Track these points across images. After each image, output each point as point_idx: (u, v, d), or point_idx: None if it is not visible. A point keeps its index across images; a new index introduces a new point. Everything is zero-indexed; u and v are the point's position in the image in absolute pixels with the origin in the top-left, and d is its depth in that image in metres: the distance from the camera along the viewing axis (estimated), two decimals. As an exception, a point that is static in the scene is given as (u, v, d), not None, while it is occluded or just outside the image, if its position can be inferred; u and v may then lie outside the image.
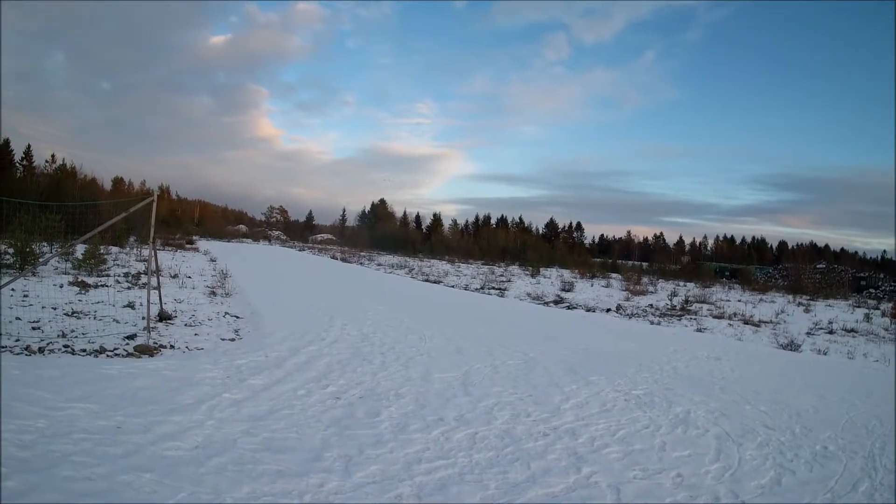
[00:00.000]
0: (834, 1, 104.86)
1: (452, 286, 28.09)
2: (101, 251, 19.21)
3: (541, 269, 44.19)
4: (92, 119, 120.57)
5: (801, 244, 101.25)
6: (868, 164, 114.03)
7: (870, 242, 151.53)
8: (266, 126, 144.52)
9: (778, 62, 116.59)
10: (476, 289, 27.28)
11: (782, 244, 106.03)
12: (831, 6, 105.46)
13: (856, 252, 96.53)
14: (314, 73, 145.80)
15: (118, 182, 72.20)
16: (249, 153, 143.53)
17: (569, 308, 21.28)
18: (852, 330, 19.95)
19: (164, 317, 11.20)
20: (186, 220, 78.99)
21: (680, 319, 19.84)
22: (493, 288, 28.09)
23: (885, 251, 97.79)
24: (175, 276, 18.63)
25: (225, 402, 6.25)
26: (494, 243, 78.78)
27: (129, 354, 8.29)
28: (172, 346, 9.07)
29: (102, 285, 14.78)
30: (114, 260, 21.70)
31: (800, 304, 29.38)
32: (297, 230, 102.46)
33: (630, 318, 19.55)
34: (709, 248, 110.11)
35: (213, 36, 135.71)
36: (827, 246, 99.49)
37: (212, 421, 5.64)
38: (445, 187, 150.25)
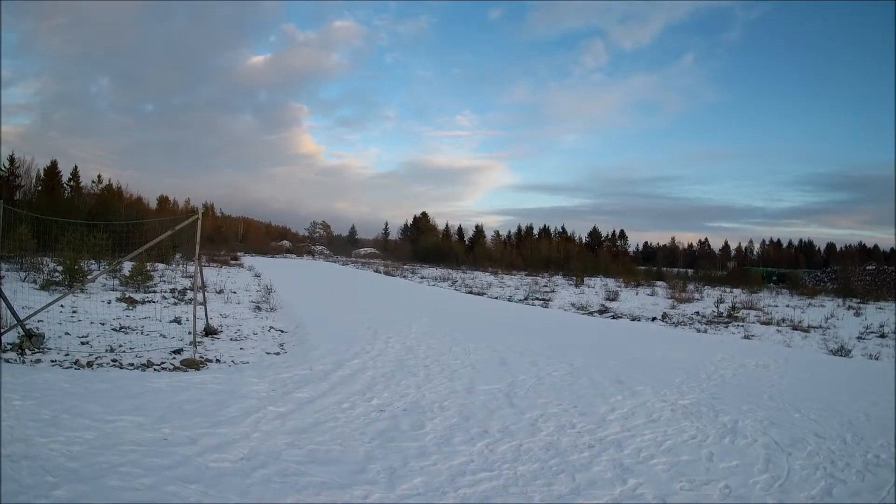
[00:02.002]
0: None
1: (496, 297, 27.91)
2: (148, 268, 19.57)
3: (585, 278, 43.74)
4: (137, 140, 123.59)
5: (850, 245, 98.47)
6: None
7: None
8: (308, 143, 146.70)
9: (818, 59, 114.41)
10: (519, 300, 27.06)
11: (830, 246, 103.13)
12: (869, 3, 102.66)
13: None
14: (354, 88, 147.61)
15: (163, 201, 73.59)
16: (293, 169, 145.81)
17: (613, 317, 20.99)
18: None
19: (209, 331, 11.34)
20: (231, 237, 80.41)
21: (727, 326, 19.40)
22: (537, 299, 27.84)
23: None
24: (220, 292, 18.91)
25: (270, 415, 6.26)
26: (537, 253, 78.40)
27: (175, 368, 8.39)
28: (218, 360, 9.17)
29: (149, 301, 15.07)
30: (160, 276, 22.09)
31: (850, 307, 28.48)
32: (341, 244, 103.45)
33: (676, 326, 19.19)
34: (755, 253, 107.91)
35: (254, 56, 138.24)
36: (876, 246, 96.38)
37: (257, 433, 5.65)
38: (487, 198, 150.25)
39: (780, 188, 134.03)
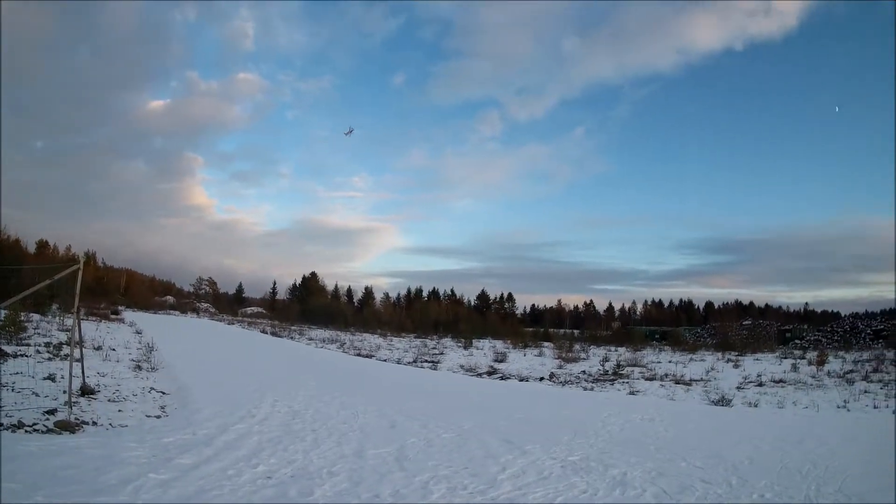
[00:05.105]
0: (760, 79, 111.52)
1: (385, 360, 27.89)
2: (22, 318, 18.46)
3: (473, 340, 44.15)
4: (23, 178, 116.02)
5: (728, 303, 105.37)
6: (789, 224, 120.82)
7: (793, 297, 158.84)
8: (200, 195, 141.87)
9: (699, 133, 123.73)
10: (409, 362, 27.16)
11: (709, 304, 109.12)
12: (746, 83, 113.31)
13: (780, 306, 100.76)
14: (252, 143, 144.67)
15: (42, 245, 69.46)
16: (183, 221, 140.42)
17: (502, 378, 21.42)
18: (781, 380, 20.64)
19: (86, 391, 10.81)
20: (112, 289, 76.45)
21: (613, 384, 20.18)
22: (426, 361, 28.00)
23: (807, 303, 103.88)
24: (99, 348, 17.98)
25: (151, 483, 6.04)
26: (427, 316, 78.99)
27: (49, 430, 7.98)
28: (95, 423, 8.77)
29: (22, 355, 14.16)
30: (35, 328, 20.80)
31: (729, 360, 30.06)
32: (227, 303, 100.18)
33: (563, 385, 19.77)
34: (638, 313, 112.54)
35: (154, 100, 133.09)
36: (752, 303, 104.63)
37: (137, 503, 5.44)
38: (378, 260, 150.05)
39: (662, 252, 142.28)
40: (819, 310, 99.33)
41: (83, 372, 11.14)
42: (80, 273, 9.51)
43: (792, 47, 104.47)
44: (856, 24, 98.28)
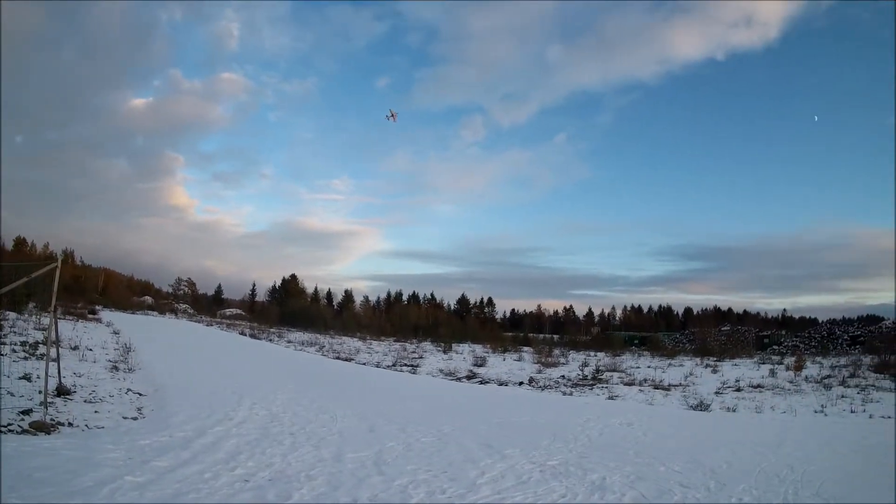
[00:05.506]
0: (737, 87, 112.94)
1: (364, 363, 27.83)
2: (-3, 317, 18.23)
3: (453, 344, 44.12)
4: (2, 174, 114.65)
5: (706, 309, 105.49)
6: (767, 231, 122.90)
7: (772, 303, 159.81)
8: (181, 195, 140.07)
9: (679, 141, 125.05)
10: (388, 366, 27.10)
11: (688, 310, 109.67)
12: (726, 93, 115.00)
13: (758, 312, 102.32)
14: (234, 143, 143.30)
15: (20, 243, 68.81)
16: (163, 221, 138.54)
17: (482, 383, 21.47)
18: (758, 386, 20.87)
19: (62, 392, 10.70)
20: (90, 289, 75.53)
21: (592, 389, 20.30)
22: (406, 365, 27.97)
23: (785, 309, 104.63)
24: (75, 348, 17.78)
25: (127, 486, 6.00)
26: (406, 320, 78.92)
27: (24, 431, 7.90)
28: (71, 424, 8.70)
29: (-4, 355, 14.02)
30: (10, 326, 20.53)
31: (707, 365, 30.22)
32: (206, 304, 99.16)
33: (543, 390, 19.86)
34: (617, 319, 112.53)
35: (136, 98, 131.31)
36: (730, 309, 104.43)
37: (113, 505, 5.41)
38: (359, 264, 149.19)
39: (642, 258, 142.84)
40: (797, 316, 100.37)
41: (59, 372, 11.03)
42: (58, 271, 9.41)
43: (772, 58, 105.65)
44: (835, 36, 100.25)
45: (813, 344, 44.70)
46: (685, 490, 7.31)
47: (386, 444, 9.28)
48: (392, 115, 47.18)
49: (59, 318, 12.73)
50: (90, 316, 39.51)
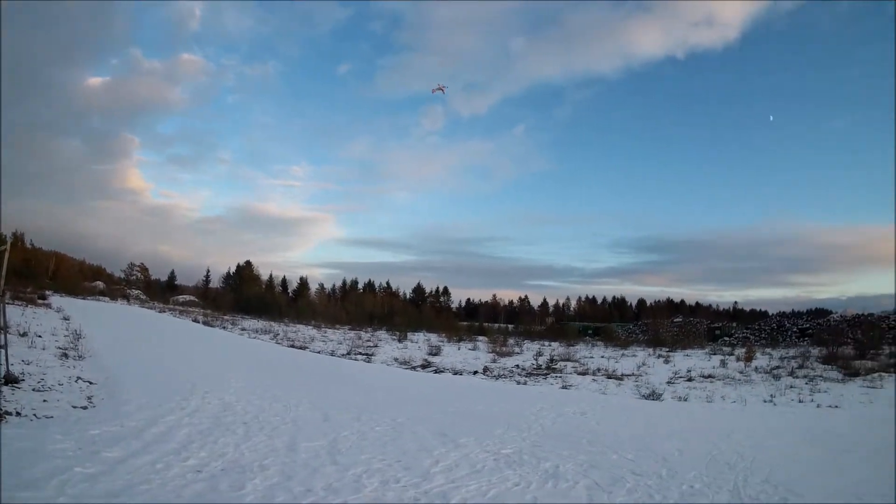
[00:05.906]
0: (688, 85, 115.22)
1: (318, 352, 27.69)
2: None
3: (408, 333, 44.17)
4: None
5: (659, 300, 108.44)
6: (720, 225, 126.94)
7: (723, 296, 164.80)
8: (136, 178, 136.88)
9: (636, 135, 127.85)
10: (343, 354, 27.03)
11: (641, 301, 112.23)
12: (684, 90, 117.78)
13: (710, 305, 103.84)
14: (192, 126, 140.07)
15: (-34, 225, 66.75)
16: (118, 205, 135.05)
17: (436, 372, 21.61)
18: (710, 376, 21.57)
19: (9, 380, 10.47)
20: (40, 273, 73.61)
21: (546, 378, 20.60)
22: (360, 353, 27.92)
23: (736, 302, 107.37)
24: (24, 335, 17.39)
25: (77, 477, 5.95)
26: (361, 308, 78.63)
27: (-31, 422, 7.74)
28: (19, 413, 8.53)
29: (-62, 343, 13.65)
30: (-47, 314, 20.02)
31: (660, 355, 30.95)
32: (158, 290, 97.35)
33: (497, 379, 20.08)
34: (572, 309, 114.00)
35: (93, 77, 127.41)
36: (683, 301, 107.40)
37: (63, 497, 5.38)
38: (315, 251, 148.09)
39: (598, 250, 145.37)
40: (748, 308, 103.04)
41: (6, 359, 10.78)
42: (7, 254, 9.25)
43: (731, 58, 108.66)
44: (794, 38, 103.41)
45: (763, 336, 45.93)
46: (637, 477, 7.54)
47: (340, 434, 9.32)
48: (441, 88, 46.30)
49: (8, 304, 12.42)
50: (40, 301, 38.68)
